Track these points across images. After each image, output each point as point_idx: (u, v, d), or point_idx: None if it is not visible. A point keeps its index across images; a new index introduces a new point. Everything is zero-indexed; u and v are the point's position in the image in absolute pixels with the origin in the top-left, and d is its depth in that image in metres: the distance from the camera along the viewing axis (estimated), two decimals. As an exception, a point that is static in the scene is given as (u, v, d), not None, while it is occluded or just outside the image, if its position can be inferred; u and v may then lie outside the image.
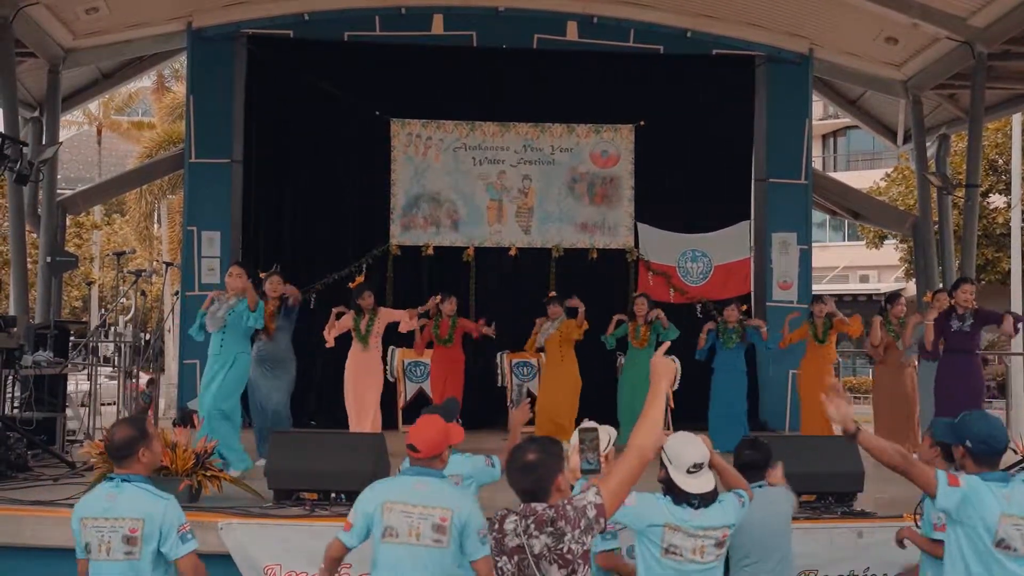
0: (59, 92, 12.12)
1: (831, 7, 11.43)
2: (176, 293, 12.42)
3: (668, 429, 8.17)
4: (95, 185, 15.26)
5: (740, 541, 4.09)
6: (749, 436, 4.92)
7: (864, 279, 30.46)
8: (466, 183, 11.97)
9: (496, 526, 3.06)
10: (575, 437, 3.37)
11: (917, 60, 12.07)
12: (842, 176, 25.37)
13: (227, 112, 11.74)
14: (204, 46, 11.67)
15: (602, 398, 9.52)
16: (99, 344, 11.45)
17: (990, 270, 22.08)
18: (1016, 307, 16.70)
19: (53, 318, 10.65)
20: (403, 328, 9.21)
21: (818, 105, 23.23)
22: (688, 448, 3.84)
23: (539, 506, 3.01)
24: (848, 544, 5.53)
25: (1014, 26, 10.34)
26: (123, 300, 16.60)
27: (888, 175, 24.80)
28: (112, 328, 16.43)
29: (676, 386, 9.04)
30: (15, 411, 7.92)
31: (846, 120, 23.91)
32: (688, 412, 9.72)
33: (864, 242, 25.65)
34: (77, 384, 10.97)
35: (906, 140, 14.02)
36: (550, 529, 2.95)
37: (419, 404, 10.43)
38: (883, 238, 24.22)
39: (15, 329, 7.67)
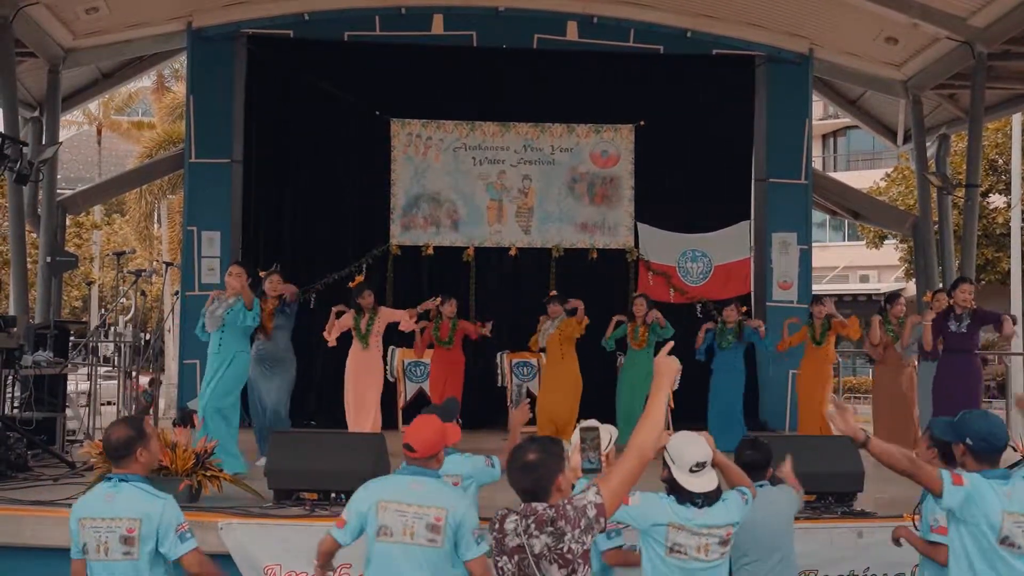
0: (59, 92, 12.12)
1: (831, 7, 11.44)
2: (176, 293, 12.44)
3: (668, 429, 8.16)
4: (95, 185, 15.27)
5: (739, 540, 4.09)
6: (749, 436, 4.91)
7: (864, 279, 30.45)
8: (466, 183, 11.97)
9: (496, 526, 3.06)
10: (576, 436, 3.38)
11: (917, 60, 12.07)
12: (842, 176, 25.35)
13: (227, 112, 11.75)
14: (204, 46, 11.67)
15: (602, 398, 9.49)
16: (99, 344, 11.45)
17: (990, 270, 22.07)
18: (1016, 307, 16.72)
19: (53, 318, 10.65)
20: (403, 328, 9.21)
21: (818, 105, 23.21)
22: (691, 447, 3.85)
23: (539, 506, 3.01)
24: (848, 544, 5.54)
25: (1014, 26, 10.35)
26: (123, 300, 16.60)
27: (888, 175, 24.79)
28: (112, 328, 16.39)
29: (676, 386, 9.02)
30: (15, 411, 7.91)
31: (846, 120, 23.91)
32: (688, 412, 9.71)
33: (864, 242, 25.66)
34: (77, 384, 10.96)
35: (906, 140, 14.02)
36: (550, 529, 2.95)
37: (419, 404, 10.44)
38: (883, 238, 24.22)
39: (15, 329, 7.66)
